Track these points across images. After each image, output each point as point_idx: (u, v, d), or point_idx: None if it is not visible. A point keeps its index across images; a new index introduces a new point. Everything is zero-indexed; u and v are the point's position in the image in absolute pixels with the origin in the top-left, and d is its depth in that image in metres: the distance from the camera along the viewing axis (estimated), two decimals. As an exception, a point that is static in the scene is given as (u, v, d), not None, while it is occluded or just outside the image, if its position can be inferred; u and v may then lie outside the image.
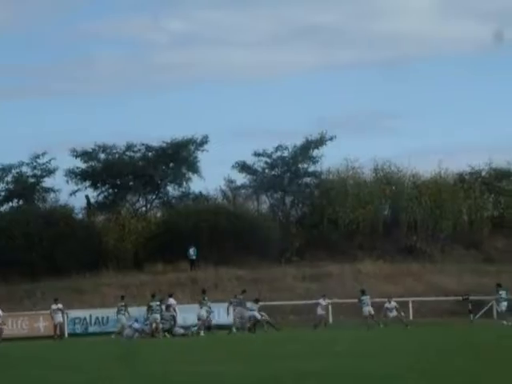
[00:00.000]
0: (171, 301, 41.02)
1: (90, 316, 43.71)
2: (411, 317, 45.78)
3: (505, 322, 41.79)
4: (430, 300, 46.85)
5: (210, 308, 40.72)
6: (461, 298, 44.93)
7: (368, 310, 41.41)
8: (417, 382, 12.38)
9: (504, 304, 42.39)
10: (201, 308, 40.40)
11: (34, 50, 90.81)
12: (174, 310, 40.41)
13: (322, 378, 13.49)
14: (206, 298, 41.01)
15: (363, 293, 42.19)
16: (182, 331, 39.94)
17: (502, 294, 42.60)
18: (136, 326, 39.87)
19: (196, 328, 40.01)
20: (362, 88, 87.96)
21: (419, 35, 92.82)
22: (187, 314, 41.59)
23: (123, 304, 40.87)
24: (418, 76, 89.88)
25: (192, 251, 52.13)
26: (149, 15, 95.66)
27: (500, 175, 61.02)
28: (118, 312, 40.65)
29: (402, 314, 42.19)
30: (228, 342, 34.03)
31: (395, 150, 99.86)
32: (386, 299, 42.52)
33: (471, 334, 33.99)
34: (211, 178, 71.11)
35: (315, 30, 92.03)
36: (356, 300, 42.43)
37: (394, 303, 42.33)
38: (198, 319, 40.22)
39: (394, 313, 42.08)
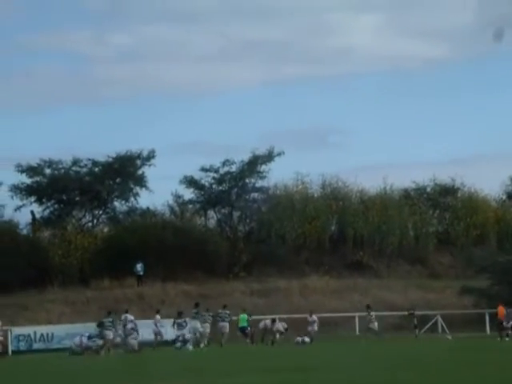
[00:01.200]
0: (129, 316, 40.83)
1: (35, 333, 43.16)
2: (357, 331, 46.06)
3: (449, 337, 42.29)
4: (376, 315, 47.12)
5: (206, 321, 40.64)
6: (406, 312, 45.34)
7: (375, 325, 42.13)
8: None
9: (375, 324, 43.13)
10: (194, 320, 40.12)
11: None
12: (135, 324, 40.20)
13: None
14: (198, 311, 40.74)
15: (368, 307, 42.94)
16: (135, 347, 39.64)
17: None
18: (85, 342, 39.43)
19: (179, 344, 39.47)
20: (309, 103, 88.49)
21: (366, 52, 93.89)
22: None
23: (110, 320, 40.32)
24: (365, 92, 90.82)
25: (139, 267, 51.87)
26: (92, 29, 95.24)
27: (444, 191, 61.80)
28: (106, 328, 40.05)
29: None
30: (172, 357, 33.84)
31: (342, 165, 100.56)
32: (308, 313, 42.63)
33: (416, 348, 34.27)
34: (159, 192, 70.78)
35: (261, 44, 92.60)
36: (305, 315, 42.60)
37: (314, 317, 42.41)
38: (194, 333, 39.84)
39: (315, 327, 42.12)
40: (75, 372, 25.73)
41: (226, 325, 41.28)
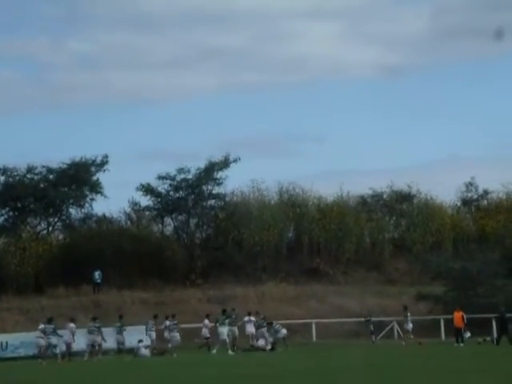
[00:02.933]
0: (72, 325, 40.26)
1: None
2: (314, 338, 46.14)
3: (403, 343, 42.54)
4: (332, 322, 47.29)
5: (232, 326, 40.38)
6: (363, 319, 45.51)
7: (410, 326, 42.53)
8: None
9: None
10: (220, 326, 39.78)
11: None
12: (73, 334, 39.57)
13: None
14: (225, 316, 40.37)
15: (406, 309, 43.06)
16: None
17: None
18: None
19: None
20: (266, 111, 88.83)
21: (324, 59, 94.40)
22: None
23: (97, 325, 39.73)
24: (322, 100, 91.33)
25: (97, 275, 51.50)
26: (50, 35, 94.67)
27: (401, 198, 62.21)
28: (90, 332, 39.48)
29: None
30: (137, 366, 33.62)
31: (299, 172, 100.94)
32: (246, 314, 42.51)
33: (373, 354, 34.39)
34: (114, 199, 70.55)
35: (219, 52, 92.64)
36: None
37: (253, 318, 42.26)
38: (221, 336, 39.54)
39: (253, 329, 41.90)
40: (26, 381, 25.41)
41: (235, 329, 40.84)
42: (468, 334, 42.31)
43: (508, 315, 40.50)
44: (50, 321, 39.60)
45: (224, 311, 41.02)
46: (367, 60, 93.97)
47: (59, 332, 39.07)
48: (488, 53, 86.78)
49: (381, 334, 45.85)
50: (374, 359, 30.16)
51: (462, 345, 39.45)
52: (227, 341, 39.34)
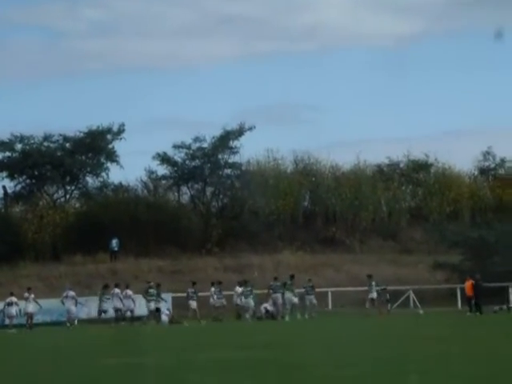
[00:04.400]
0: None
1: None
2: (330, 307, 46.24)
3: (421, 312, 42.56)
4: (348, 290, 47.34)
5: (294, 292, 41.40)
6: (379, 288, 45.51)
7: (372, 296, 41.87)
8: (335, 372, 12.49)
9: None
10: (288, 292, 40.53)
11: None
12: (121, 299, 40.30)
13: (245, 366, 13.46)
14: (292, 283, 41.31)
15: (370, 277, 42.59)
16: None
17: None
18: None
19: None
20: (282, 80, 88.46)
21: (339, 28, 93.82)
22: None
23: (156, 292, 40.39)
24: (338, 68, 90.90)
25: (114, 243, 51.69)
26: (65, 3, 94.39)
27: (418, 167, 62.03)
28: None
29: None
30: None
31: (315, 141, 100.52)
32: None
33: (388, 323, 34.45)
34: (130, 168, 70.77)
35: (235, 20, 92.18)
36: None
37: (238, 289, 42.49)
38: (285, 303, 40.44)
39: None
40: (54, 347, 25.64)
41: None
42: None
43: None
44: (105, 287, 40.78)
45: (292, 277, 41.56)
46: (383, 28, 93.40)
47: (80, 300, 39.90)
48: (508, 20, 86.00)
49: (396, 303, 45.91)
50: (390, 328, 30.21)
51: (477, 314, 39.37)
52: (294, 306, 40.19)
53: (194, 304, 41.39)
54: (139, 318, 40.83)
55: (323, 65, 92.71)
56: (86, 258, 51.03)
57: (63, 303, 40.20)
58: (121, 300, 40.43)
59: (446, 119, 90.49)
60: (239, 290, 42.10)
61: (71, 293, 40.45)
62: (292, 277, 42.00)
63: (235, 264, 51.54)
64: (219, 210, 59.23)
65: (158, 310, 40.75)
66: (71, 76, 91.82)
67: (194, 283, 42.44)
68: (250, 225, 56.20)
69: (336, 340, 23.01)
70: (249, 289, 41.89)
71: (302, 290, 42.24)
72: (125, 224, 52.27)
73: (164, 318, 40.78)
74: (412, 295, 46.75)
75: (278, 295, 41.48)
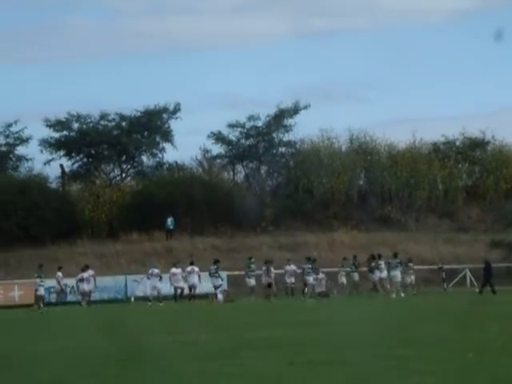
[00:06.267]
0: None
1: (66, 285, 43.48)
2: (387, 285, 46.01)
3: (477, 290, 42.18)
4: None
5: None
6: (435, 266, 45.25)
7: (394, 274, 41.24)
8: (395, 351, 12.44)
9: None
10: (394, 270, 40.81)
11: (1, 16, 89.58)
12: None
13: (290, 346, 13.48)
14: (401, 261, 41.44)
15: (395, 256, 41.94)
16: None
17: None
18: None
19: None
20: (337, 57, 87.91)
21: (394, 4, 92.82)
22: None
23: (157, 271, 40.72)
24: (393, 46, 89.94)
25: (170, 221, 52.02)
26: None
27: (474, 144, 61.34)
28: (212, 276, 40.74)
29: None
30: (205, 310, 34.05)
31: (370, 119, 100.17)
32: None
33: (447, 301, 34.22)
34: (186, 147, 70.97)
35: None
36: (334, 269, 42.69)
37: (293, 267, 42.40)
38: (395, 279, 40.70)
39: (292, 280, 42.08)
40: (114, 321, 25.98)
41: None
42: None
43: None
44: (191, 264, 40.94)
45: (395, 255, 41.66)
46: (439, 4, 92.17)
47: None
48: None
49: (453, 282, 45.59)
50: (446, 306, 30.01)
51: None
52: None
53: (268, 279, 41.46)
54: (201, 297, 41.02)
55: (379, 42, 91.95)
56: (142, 236, 51.48)
57: (148, 278, 40.55)
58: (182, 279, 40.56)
59: (502, 96, 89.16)
60: (289, 267, 42.22)
61: (156, 270, 40.80)
62: (395, 255, 41.67)
63: (290, 242, 51.61)
64: (274, 189, 59.27)
65: (216, 287, 40.88)
66: (127, 55, 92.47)
67: (250, 258, 42.49)
68: (304, 203, 56.19)
69: (389, 318, 22.92)
70: (309, 266, 41.98)
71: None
72: (180, 203, 52.59)
73: (219, 296, 41.01)
74: (468, 274, 46.35)
75: (397, 273, 41.05)
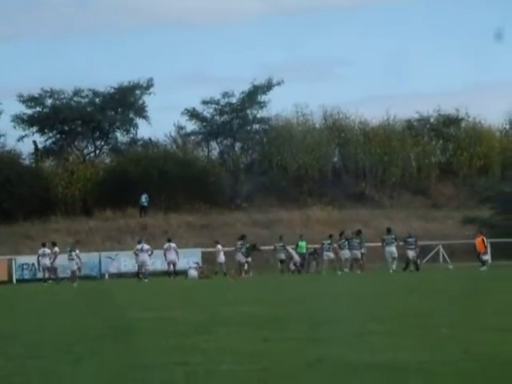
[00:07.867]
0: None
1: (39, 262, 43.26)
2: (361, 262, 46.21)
3: (450, 267, 42.51)
4: (378, 246, 47.29)
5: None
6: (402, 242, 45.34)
7: (390, 250, 41.08)
8: (369, 326, 12.53)
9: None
10: (389, 246, 40.75)
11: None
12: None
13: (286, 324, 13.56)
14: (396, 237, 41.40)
15: (389, 232, 41.84)
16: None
17: None
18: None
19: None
20: (310, 34, 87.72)
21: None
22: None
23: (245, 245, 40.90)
24: (366, 23, 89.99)
25: (144, 198, 51.93)
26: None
27: (448, 121, 61.61)
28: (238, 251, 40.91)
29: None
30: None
31: (344, 96, 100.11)
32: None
33: (418, 277, 34.46)
34: (159, 124, 70.86)
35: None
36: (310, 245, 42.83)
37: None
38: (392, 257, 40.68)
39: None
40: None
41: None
42: (486, 257, 41.64)
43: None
44: (169, 240, 41.11)
45: (389, 230, 41.74)
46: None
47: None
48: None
49: (426, 258, 45.89)
50: (419, 283, 30.18)
51: (483, 268, 38.67)
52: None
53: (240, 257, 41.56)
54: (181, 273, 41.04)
55: (352, 19, 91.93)
56: (116, 213, 51.39)
57: (136, 255, 40.39)
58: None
59: (476, 73, 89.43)
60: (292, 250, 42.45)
61: (146, 246, 40.67)
62: (389, 230, 41.75)
63: (264, 219, 51.70)
64: (248, 166, 59.30)
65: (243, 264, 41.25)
66: (100, 31, 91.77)
67: (242, 237, 42.43)
68: (278, 180, 56.28)
69: (362, 295, 23.07)
70: (281, 244, 42.16)
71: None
72: (154, 179, 52.52)
73: (193, 272, 41.07)
74: (442, 250, 46.66)
75: (391, 248, 41.04)
